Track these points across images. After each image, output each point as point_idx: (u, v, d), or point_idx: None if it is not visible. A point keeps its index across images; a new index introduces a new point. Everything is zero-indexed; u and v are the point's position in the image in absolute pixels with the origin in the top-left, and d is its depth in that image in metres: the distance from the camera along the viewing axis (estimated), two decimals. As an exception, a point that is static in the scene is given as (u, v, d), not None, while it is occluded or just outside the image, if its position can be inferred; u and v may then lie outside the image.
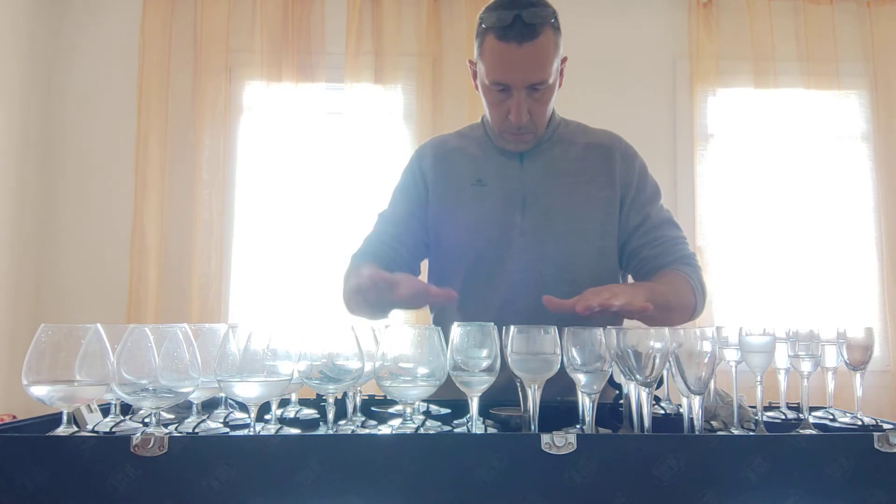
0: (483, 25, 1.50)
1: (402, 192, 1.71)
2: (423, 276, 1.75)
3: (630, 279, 1.70)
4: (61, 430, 1.00)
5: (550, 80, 1.52)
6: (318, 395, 1.16)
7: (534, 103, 1.53)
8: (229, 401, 1.20)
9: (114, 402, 1.15)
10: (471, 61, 1.61)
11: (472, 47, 1.58)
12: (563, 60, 1.58)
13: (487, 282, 1.60)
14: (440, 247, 1.67)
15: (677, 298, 1.53)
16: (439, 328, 1.10)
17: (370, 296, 1.36)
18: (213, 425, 1.13)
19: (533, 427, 1.08)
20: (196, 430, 1.10)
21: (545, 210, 1.59)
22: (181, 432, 1.07)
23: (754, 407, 1.18)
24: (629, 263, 1.64)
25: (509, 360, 1.09)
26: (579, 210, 1.60)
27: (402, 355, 1.07)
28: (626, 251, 1.63)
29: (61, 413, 1.01)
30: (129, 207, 3.22)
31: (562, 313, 1.27)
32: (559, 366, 1.08)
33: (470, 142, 1.70)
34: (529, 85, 1.50)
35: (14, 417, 2.67)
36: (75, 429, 1.03)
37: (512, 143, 1.61)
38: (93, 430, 1.08)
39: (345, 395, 1.19)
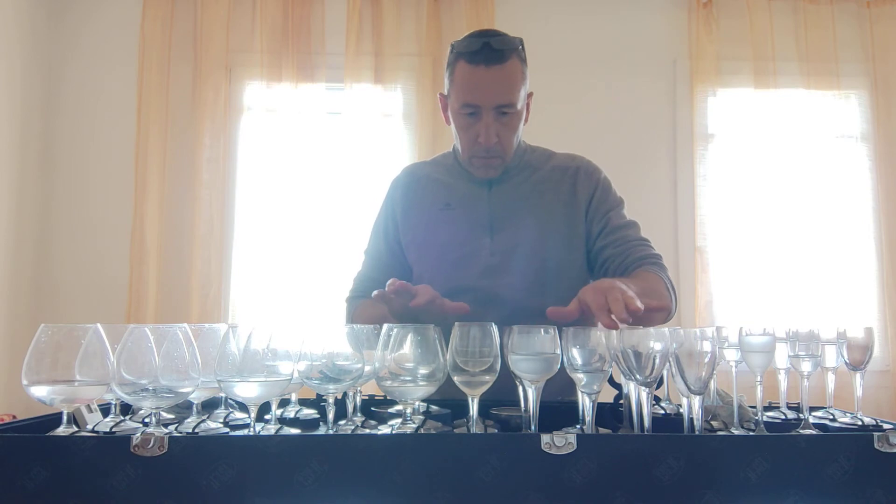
0: (454, 52, 1.59)
1: (379, 228, 1.78)
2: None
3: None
4: (61, 430, 1.00)
5: (518, 106, 1.58)
6: (318, 395, 1.16)
7: (502, 128, 1.58)
8: (229, 401, 1.20)
9: (114, 402, 1.15)
10: (441, 95, 1.68)
11: None
12: (530, 96, 1.65)
13: (461, 300, 1.61)
14: (416, 270, 1.71)
15: (658, 300, 1.49)
16: (439, 328, 1.10)
17: (394, 305, 1.36)
18: (213, 425, 1.13)
19: (533, 427, 1.08)
20: (196, 430, 1.10)
21: (513, 231, 1.64)
22: (181, 432, 1.07)
23: (754, 407, 1.18)
24: (594, 266, 1.68)
25: (509, 360, 1.09)
26: (544, 227, 1.65)
27: (402, 355, 1.07)
28: (592, 256, 1.67)
29: (61, 413, 1.01)
30: (129, 207, 3.22)
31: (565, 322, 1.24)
32: (559, 366, 1.08)
33: (441, 168, 1.76)
34: (497, 107, 1.56)
35: (14, 417, 2.67)
36: (75, 429, 1.03)
37: (481, 168, 1.65)
38: (93, 430, 1.08)
39: (345, 395, 1.19)
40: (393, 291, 1.32)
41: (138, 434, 0.92)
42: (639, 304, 1.15)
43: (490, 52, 1.52)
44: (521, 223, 1.65)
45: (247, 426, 1.04)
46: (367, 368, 1.07)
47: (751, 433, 1.13)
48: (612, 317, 1.13)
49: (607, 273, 1.65)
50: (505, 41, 1.55)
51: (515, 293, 1.61)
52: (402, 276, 1.71)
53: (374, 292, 1.36)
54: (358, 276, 1.78)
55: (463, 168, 1.70)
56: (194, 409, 1.16)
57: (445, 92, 1.65)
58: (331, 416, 1.09)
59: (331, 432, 1.09)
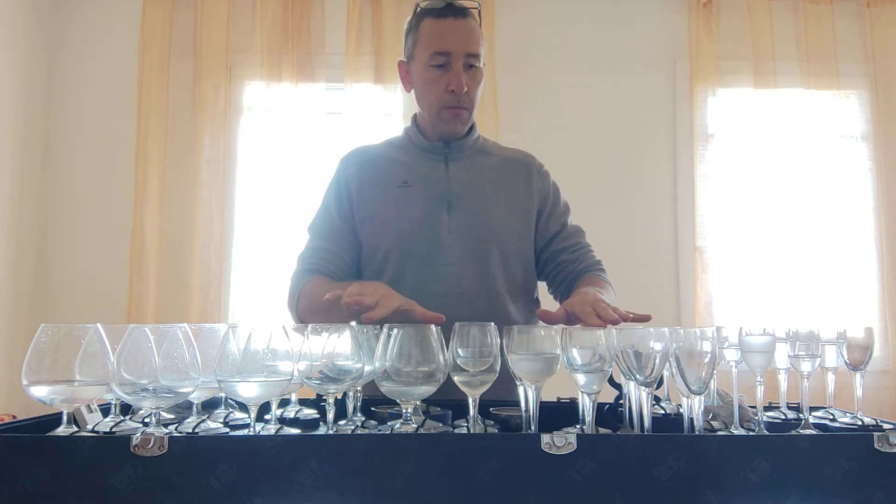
0: (418, 13, 1.66)
1: (330, 204, 1.75)
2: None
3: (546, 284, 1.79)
4: (61, 430, 1.00)
5: (480, 63, 1.65)
6: (318, 395, 1.16)
7: (469, 80, 1.63)
8: (229, 401, 1.20)
9: (114, 402, 1.15)
10: (401, 62, 1.72)
11: None
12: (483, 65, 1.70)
13: (415, 278, 1.62)
14: (369, 246, 1.69)
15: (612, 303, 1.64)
16: (439, 328, 1.10)
17: (343, 314, 1.29)
18: (213, 425, 1.13)
19: (533, 427, 1.08)
20: (196, 430, 1.09)
21: (471, 210, 1.66)
22: (181, 432, 1.07)
23: (754, 407, 1.18)
24: (546, 267, 1.75)
25: (509, 360, 1.09)
26: (501, 213, 1.68)
27: (401, 355, 1.07)
28: (544, 256, 1.74)
29: (61, 413, 1.01)
30: (129, 207, 3.22)
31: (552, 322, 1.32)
32: (559, 366, 1.08)
33: (394, 149, 1.77)
34: (466, 56, 1.61)
35: (14, 417, 2.67)
36: (75, 429, 1.03)
37: (450, 120, 1.67)
38: (93, 430, 1.08)
39: (345, 395, 1.19)
40: (346, 305, 1.26)
41: (138, 434, 0.92)
42: (623, 313, 1.26)
43: (454, 8, 1.63)
44: (479, 203, 1.67)
45: (247, 426, 1.04)
46: (367, 368, 1.07)
47: (751, 433, 1.13)
48: (600, 318, 1.24)
49: (559, 274, 1.72)
50: (465, 2, 1.64)
51: (464, 272, 1.62)
52: (352, 250, 1.69)
53: (327, 295, 1.31)
54: (304, 251, 1.74)
55: (418, 147, 1.72)
56: (194, 409, 1.16)
57: (406, 56, 1.70)
58: (331, 416, 1.09)
59: (331, 432, 1.09)
